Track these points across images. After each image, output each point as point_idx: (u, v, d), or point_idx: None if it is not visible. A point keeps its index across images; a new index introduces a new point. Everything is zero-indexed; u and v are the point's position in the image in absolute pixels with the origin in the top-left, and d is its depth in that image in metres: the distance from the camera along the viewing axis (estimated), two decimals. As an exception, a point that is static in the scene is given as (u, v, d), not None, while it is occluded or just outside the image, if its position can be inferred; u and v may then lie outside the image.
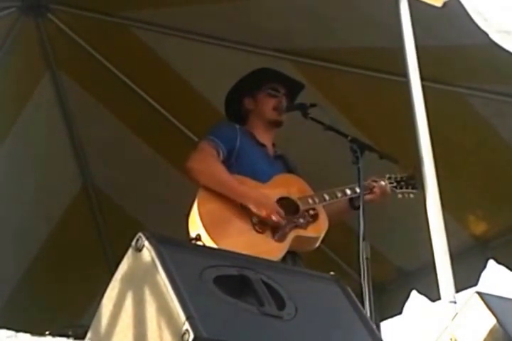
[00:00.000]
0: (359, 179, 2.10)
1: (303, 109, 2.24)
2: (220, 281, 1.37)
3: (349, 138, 2.12)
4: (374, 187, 2.27)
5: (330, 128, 2.19)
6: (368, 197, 2.22)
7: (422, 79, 2.14)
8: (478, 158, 2.86)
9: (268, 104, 2.30)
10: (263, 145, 2.30)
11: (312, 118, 2.22)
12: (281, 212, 2.11)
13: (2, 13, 2.75)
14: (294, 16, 2.62)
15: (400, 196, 2.35)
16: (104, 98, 3.12)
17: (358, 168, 2.07)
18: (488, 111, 2.76)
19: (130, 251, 1.39)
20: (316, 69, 2.82)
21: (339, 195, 2.21)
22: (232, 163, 2.18)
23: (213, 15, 2.72)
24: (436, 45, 2.44)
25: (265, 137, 2.31)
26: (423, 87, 2.13)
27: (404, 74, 2.16)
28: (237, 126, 2.27)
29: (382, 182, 2.30)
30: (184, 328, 1.23)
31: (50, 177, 3.24)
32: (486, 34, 2.10)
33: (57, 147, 3.27)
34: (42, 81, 3.10)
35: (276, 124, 2.33)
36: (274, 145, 2.35)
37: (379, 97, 2.80)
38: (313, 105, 2.24)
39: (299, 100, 2.38)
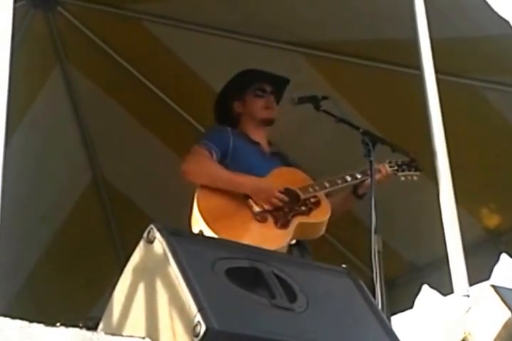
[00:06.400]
0: (371, 172, 2.08)
1: (315, 101, 2.23)
2: (232, 273, 1.37)
3: (361, 130, 2.11)
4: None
5: (342, 120, 2.18)
6: (368, 181, 2.19)
7: (436, 71, 2.12)
8: (491, 151, 2.83)
9: (257, 105, 2.31)
10: (257, 143, 2.31)
11: (324, 111, 2.21)
12: (282, 189, 2.11)
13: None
14: (305, 8, 2.60)
15: (402, 179, 2.31)
16: (114, 91, 3.11)
17: (370, 161, 2.06)
18: (502, 103, 2.73)
19: (141, 243, 1.39)
20: (328, 61, 2.80)
21: (339, 181, 2.20)
22: (228, 163, 2.19)
23: (224, 8, 2.70)
24: (450, 37, 2.41)
25: (258, 135, 2.32)
26: (437, 79, 2.11)
27: (418, 66, 2.13)
28: (229, 129, 2.28)
29: (382, 166, 2.27)
30: (196, 320, 1.22)
31: (59, 170, 3.25)
32: (506, 22, 2.07)
33: (67, 139, 3.27)
34: (52, 74, 3.10)
35: (267, 123, 2.33)
36: (270, 143, 2.35)
37: (392, 90, 2.77)
38: (325, 98, 2.22)
39: (309, 93, 2.37)
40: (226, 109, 2.34)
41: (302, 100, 2.29)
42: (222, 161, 2.18)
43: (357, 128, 2.13)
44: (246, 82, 2.33)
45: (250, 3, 2.65)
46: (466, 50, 2.51)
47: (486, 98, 2.72)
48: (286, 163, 2.31)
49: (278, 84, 2.35)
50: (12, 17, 1.55)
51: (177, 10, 2.80)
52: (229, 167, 2.17)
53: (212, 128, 2.34)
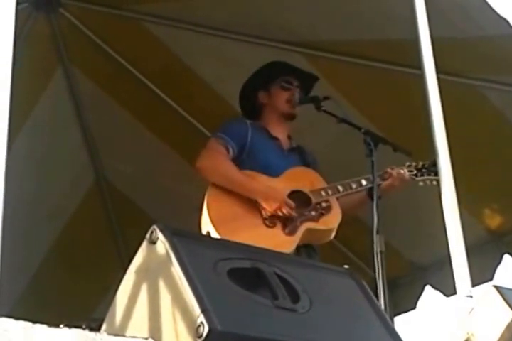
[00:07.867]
0: (373, 172, 2.08)
1: (316, 101, 2.23)
2: (234, 274, 1.36)
3: (363, 130, 2.11)
4: (391, 173, 2.25)
5: (343, 120, 2.18)
6: (386, 183, 2.19)
7: (437, 71, 2.12)
8: (493, 150, 2.83)
9: (281, 97, 2.30)
10: (276, 139, 2.30)
11: (325, 111, 2.22)
12: (291, 203, 2.10)
13: (14, 8, 2.75)
14: (304, 8, 2.60)
15: (421, 184, 2.30)
16: (116, 92, 3.12)
17: (372, 161, 2.06)
18: (503, 102, 2.73)
19: (144, 244, 1.39)
20: (328, 61, 2.80)
21: (354, 186, 2.19)
22: (244, 158, 2.18)
23: (224, 8, 2.70)
24: (450, 37, 2.41)
25: (279, 130, 2.31)
26: (438, 79, 2.11)
27: (419, 66, 2.13)
28: (248, 122, 2.27)
29: (401, 170, 2.28)
30: (199, 321, 1.22)
31: (62, 171, 3.25)
32: (506, 21, 2.07)
33: (70, 141, 3.28)
34: (55, 76, 3.11)
35: (289, 117, 2.33)
36: (290, 137, 2.35)
37: (392, 90, 2.77)
38: (326, 98, 2.23)
39: (311, 93, 2.37)
40: (251, 99, 2.32)
41: (303, 100, 2.30)
42: (239, 157, 2.17)
43: (358, 128, 2.13)
44: (274, 72, 2.31)
45: (250, 3, 2.65)
46: (466, 50, 2.51)
47: (486, 97, 2.72)
48: (304, 159, 2.29)
49: (306, 81, 2.34)
50: (15, 19, 1.56)
51: (177, 11, 2.80)
52: (244, 163, 2.16)
53: (231, 120, 2.31)
